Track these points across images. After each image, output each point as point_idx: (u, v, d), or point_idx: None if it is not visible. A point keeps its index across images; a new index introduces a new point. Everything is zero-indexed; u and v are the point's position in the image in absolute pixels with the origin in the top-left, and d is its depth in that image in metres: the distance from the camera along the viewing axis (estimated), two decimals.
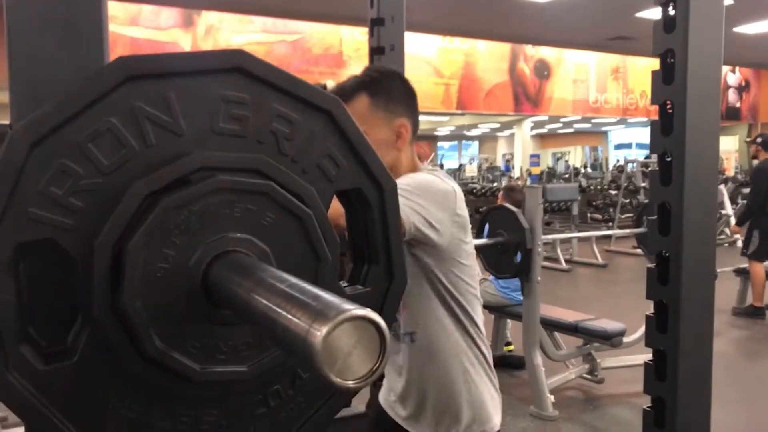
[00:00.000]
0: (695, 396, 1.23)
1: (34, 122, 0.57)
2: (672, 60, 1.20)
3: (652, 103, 1.24)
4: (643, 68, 14.22)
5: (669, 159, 1.21)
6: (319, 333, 0.42)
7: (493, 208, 4.26)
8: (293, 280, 0.50)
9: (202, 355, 0.59)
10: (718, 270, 5.22)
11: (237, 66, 0.63)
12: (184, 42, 10.05)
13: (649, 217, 1.25)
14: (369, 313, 0.43)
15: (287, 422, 0.69)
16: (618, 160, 13.30)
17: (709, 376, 1.25)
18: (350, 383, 0.43)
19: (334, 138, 0.68)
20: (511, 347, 5.18)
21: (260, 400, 0.67)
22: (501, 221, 4.10)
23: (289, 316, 0.45)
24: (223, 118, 0.62)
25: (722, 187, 10.34)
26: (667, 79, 1.21)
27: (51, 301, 0.62)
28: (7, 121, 0.88)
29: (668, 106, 1.21)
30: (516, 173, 17.07)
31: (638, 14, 10.65)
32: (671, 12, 1.22)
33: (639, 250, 8.33)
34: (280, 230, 0.62)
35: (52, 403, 0.58)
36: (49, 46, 0.68)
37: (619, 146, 26.17)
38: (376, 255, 0.72)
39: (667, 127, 1.21)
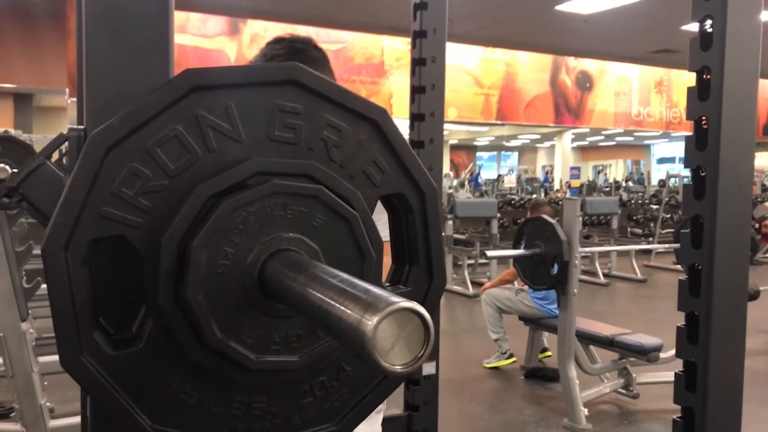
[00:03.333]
0: (725, 408, 1.24)
1: (110, 128, 0.63)
2: (708, 76, 1.23)
3: (687, 118, 1.26)
4: (687, 82, 13.96)
5: (703, 173, 1.24)
6: (371, 322, 0.46)
7: (530, 219, 4.26)
8: (343, 275, 0.54)
9: (258, 345, 0.64)
10: (762, 288, 5.14)
11: (292, 78, 0.68)
12: (229, 50, 10.28)
13: (682, 230, 1.27)
14: (415, 305, 0.47)
15: (331, 411, 0.73)
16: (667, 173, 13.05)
17: (740, 389, 1.26)
18: (398, 368, 0.47)
19: (380, 146, 0.73)
20: (549, 353, 5.17)
21: (307, 390, 0.72)
22: (538, 232, 4.11)
23: (342, 308, 0.49)
24: (278, 127, 0.67)
25: None
26: (703, 96, 1.23)
27: (117, 293, 0.68)
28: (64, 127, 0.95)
29: (703, 122, 1.24)
30: (556, 185, 16.92)
31: (683, 27, 10.51)
32: (708, 29, 1.24)
33: (679, 266, 8.20)
34: (329, 231, 0.67)
35: (120, 386, 0.63)
36: (121, 59, 0.75)
37: (661, 160, 25.76)
38: (417, 256, 0.76)
39: (702, 142, 1.23)
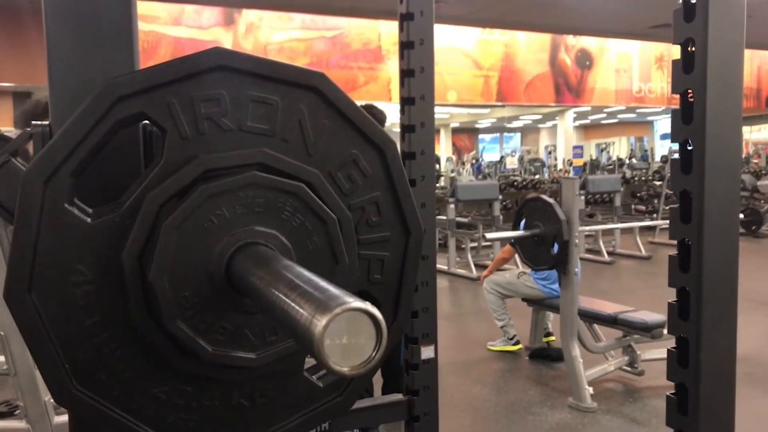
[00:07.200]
0: (718, 383, 1.24)
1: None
2: (692, 48, 1.21)
3: (673, 92, 1.24)
4: None
5: (690, 148, 1.22)
6: (320, 323, 0.45)
7: (529, 200, 4.24)
8: (304, 272, 0.53)
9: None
10: None
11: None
12: (225, 40, 10.22)
13: (671, 206, 1.26)
14: (368, 306, 0.46)
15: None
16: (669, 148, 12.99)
17: (733, 363, 1.25)
18: (346, 370, 0.47)
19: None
20: (552, 338, 5.16)
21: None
22: (538, 213, 4.09)
23: (295, 306, 0.49)
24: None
25: None
26: (687, 69, 1.21)
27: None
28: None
29: (689, 95, 1.22)
30: (559, 165, 16.82)
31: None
32: (692, 0, 1.22)
33: None
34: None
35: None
36: (82, 52, 0.74)
37: (665, 136, 25.60)
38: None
39: (688, 116, 1.21)
